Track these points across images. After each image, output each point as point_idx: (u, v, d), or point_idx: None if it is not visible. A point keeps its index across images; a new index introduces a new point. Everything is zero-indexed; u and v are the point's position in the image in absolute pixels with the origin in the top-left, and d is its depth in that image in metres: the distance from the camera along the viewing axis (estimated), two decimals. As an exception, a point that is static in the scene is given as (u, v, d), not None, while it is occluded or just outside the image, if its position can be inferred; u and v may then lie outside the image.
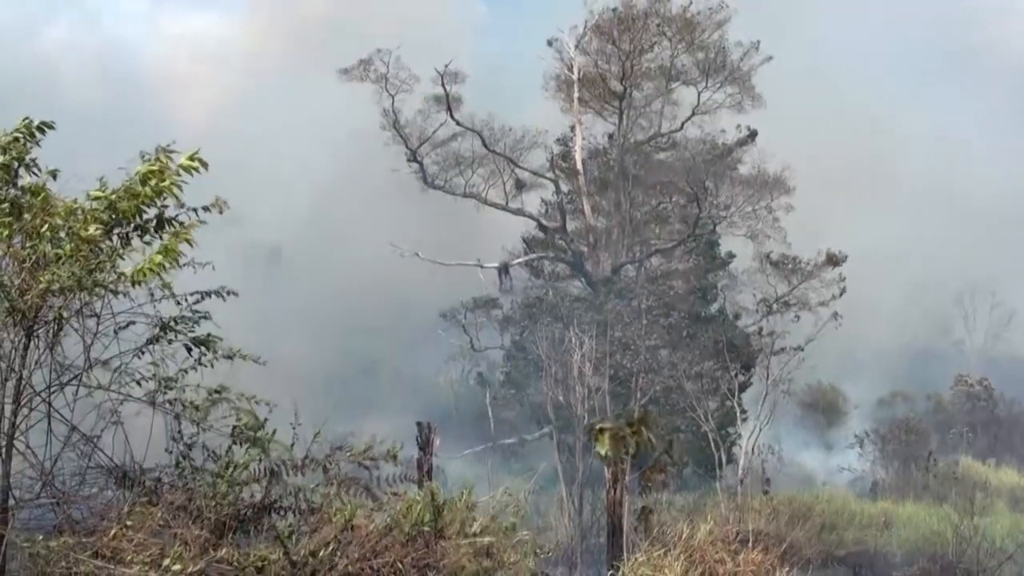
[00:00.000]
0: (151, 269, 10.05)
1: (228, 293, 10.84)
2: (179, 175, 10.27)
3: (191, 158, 10.30)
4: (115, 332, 10.43)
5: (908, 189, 56.97)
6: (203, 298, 10.74)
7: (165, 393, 10.53)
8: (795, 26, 57.46)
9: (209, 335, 10.75)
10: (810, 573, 20.13)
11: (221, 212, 10.52)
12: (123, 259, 10.19)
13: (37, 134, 10.29)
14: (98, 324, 10.32)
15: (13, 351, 9.95)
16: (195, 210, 10.48)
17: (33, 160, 10.26)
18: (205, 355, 10.70)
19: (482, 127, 40.39)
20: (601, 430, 11.22)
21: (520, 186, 41.76)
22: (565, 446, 31.70)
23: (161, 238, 10.38)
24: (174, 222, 10.47)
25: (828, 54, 60.32)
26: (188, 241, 10.23)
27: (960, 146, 60.67)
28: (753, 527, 21.88)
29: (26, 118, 10.25)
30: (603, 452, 11.11)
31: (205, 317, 10.71)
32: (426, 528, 11.12)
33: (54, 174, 10.32)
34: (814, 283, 40.25)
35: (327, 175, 48.07)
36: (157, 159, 10.18)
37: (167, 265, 10.10)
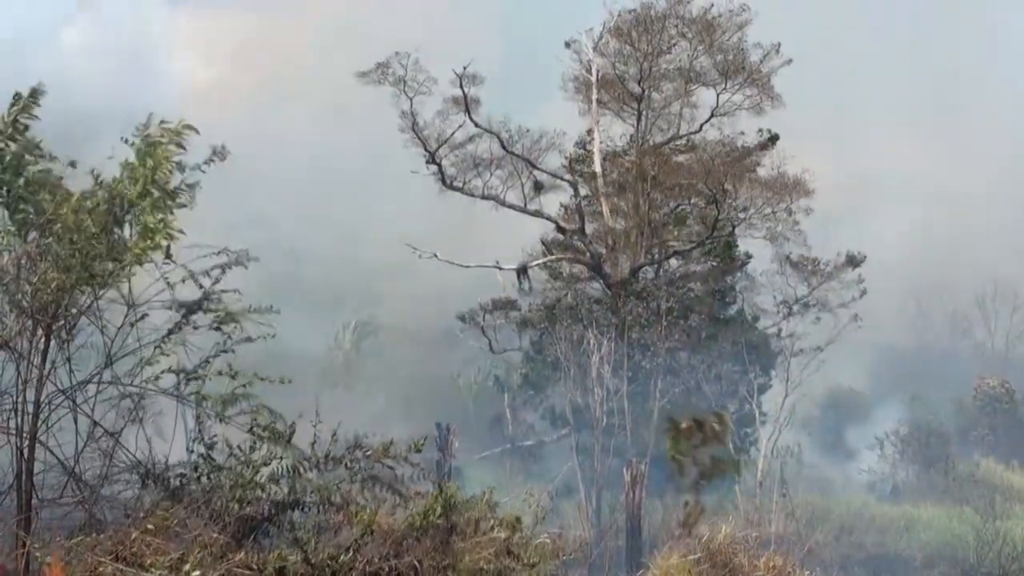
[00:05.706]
0: (149, 248, 10.04)
1: (249, 259, 10.76)
2: (176, 137, 10.25)
3: (181, 125, 10.28)
4: (131, 325, 10.41)
5: (928, 190, 56.70)
6: (224, 271, 10.70)
7: (188, 384, 10.52)
8: (816, 27, 57.24)
9: (228, 312, 10.71)
10: (831, 576, 20.08)
11: (224, 159, 10.50)
12: (128, 248, 10.15)
13: (31, 107, 10.03)
14: (127, 314, 10.32)
15: (32, 350, 9.94)
16: (199, 166, 10.48)
17: (37, 145, 10.07)
18: (229, 338, 10.66)
19: (500, 129, 40.30)
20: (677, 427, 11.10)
21: (538, 188, 41.58)
22: (584, 448, 31.61)
23: (172, 212, 10.35)
24: (180, 190, 10.45)
25: (847, 54, 60.10)
26: (183, 204, 10.23)
27: (980, 146, 60.39)
28: (773, 529, 21.81)
29: (16, 94, 9.99)
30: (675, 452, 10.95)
31: (235, 291, 10.67)
32: (439, 523, 11.06)
33: (73, 164, 10.27)
34: (833, 284, 40.03)
35: (345, 176, 48.17)
36: (147, 133, 10.14)
37: (164, 240, 10.08)
